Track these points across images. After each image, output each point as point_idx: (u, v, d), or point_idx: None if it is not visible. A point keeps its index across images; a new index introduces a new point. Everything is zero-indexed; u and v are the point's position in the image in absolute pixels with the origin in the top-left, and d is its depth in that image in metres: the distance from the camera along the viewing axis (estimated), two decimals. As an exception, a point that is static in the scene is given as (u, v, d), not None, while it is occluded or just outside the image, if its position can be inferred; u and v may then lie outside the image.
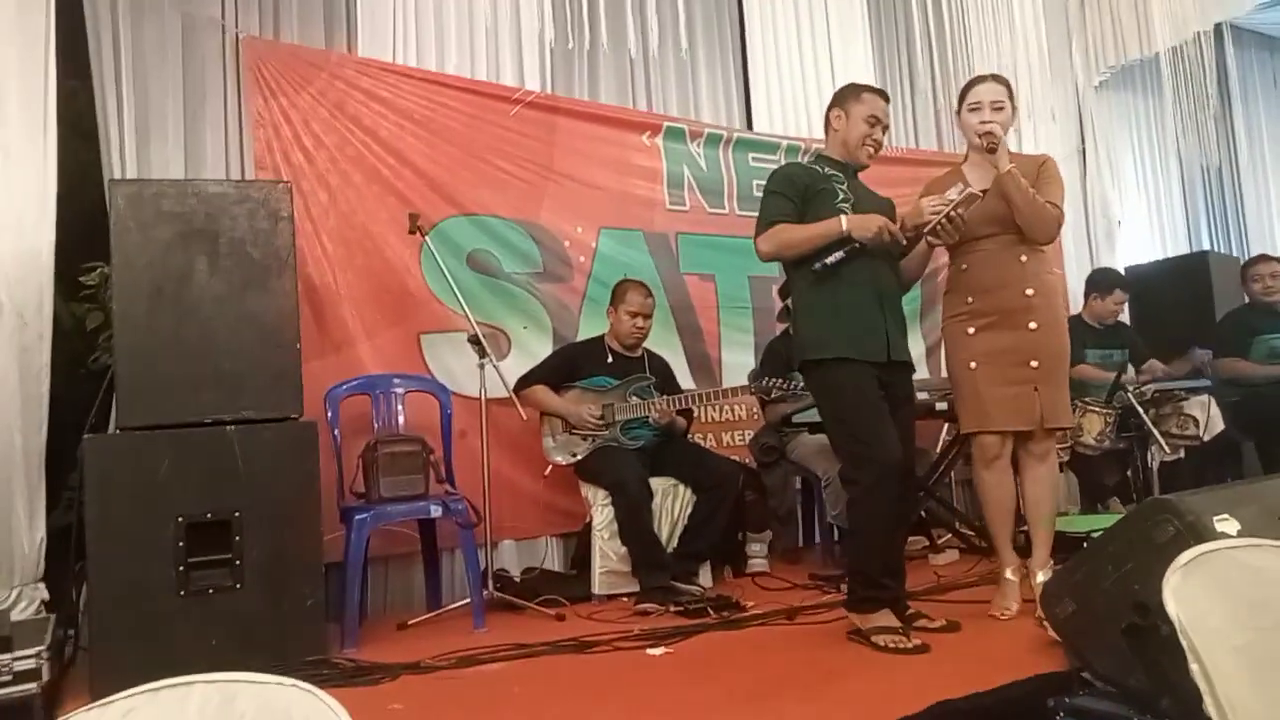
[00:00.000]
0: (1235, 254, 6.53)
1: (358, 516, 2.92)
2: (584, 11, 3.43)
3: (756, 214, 2.79)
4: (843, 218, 2.60)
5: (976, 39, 4.22)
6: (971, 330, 2.81)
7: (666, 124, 4.47)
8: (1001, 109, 2.81)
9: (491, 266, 3.90)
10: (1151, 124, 6.59)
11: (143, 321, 2.63)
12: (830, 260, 2.57)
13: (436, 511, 3.00)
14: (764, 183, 2.85)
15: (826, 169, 2.75)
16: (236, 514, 2.61)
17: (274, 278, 2.77)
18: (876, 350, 2.63)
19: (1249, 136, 7.16)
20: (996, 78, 2.90)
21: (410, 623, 3.06)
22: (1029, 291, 2.76)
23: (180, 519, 2.55)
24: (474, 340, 3.16)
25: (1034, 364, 2.75)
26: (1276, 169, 7.30)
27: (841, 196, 2.68)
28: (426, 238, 3.30)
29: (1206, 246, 6.60)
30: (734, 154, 4.68)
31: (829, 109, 2.83)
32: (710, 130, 4.62)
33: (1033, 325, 2.75)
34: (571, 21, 3.48)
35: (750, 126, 4.87)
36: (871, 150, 2.77)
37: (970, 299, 2.82)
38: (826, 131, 2.85)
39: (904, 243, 2.66)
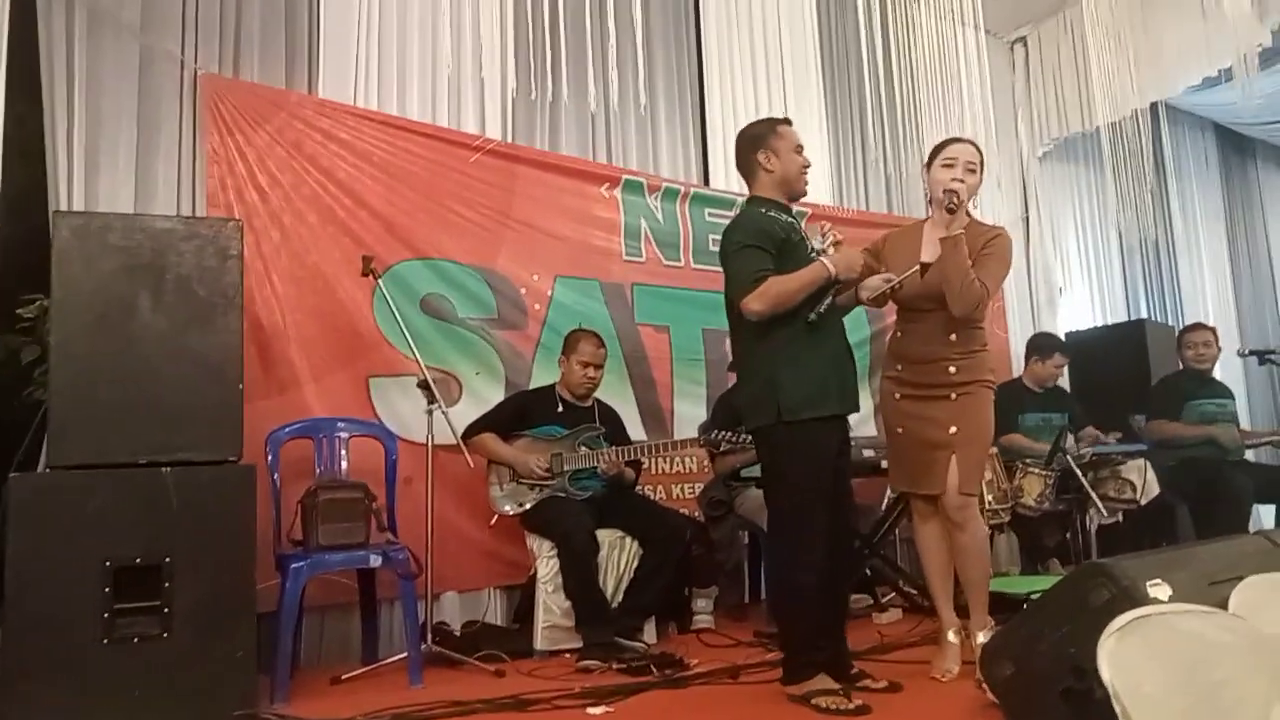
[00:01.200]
0: (1170, 322, 6.77)
1: (293, 565, 2.83)
2: (547, 64, 3.47)
3: (711, 267, 2.79)
4: (826, 261, 2.56)
5: (926, 108, 4.37)
6: (898, 395, 2.90)
7: (625, 177, 4.53)
8: (974, 172, 2.86)
9: (445, 311, 3.88)
10: (1093, 195, 6.85)
11: (80, 357, 2.56)
12: (824, 308, 2.55)
13: (376, 561, 2.92)
14: (719, 238, 2.77)
15: (784, 216, 2.71)
16: (168, 559, 2.52)
17: (219, 316, 2.72)
18: (849, 400, 2.68)
19: (1183, 211, 7.48)
20: (973, 143, 2.96)
21: (344, 677, 2.96)
22: (952, 370, 2.81)
23: (108, 563, 2.46)
24: (423, 385, 3.13)
25: (953, 430, 2.79)
26: (1209, 243, 7.63)
27: (809, 248, 2.69)
28: (379, 280, 3.27)
29: (1144, 314, 6.83)
30: (691, 208, 4.75)
31: (751, 152, 2.72)
32: (668, 184, 4.68)
33: (953, 396, 2.81)
34: (534, 73, 3.52)
35: (707, 183, 4.95)
36: (805, 177, 2.76)
37: (900, 366, 2.92)
38: (754, 175, 2.75)
39: (861, 298, 2.79)
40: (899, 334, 2.96)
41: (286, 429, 3.24)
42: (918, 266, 2.72)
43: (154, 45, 3.38)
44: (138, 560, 2.49)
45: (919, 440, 2.84)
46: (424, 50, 4.01)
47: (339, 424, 3.34)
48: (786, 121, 2.78)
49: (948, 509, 2.80)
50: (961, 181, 2.80)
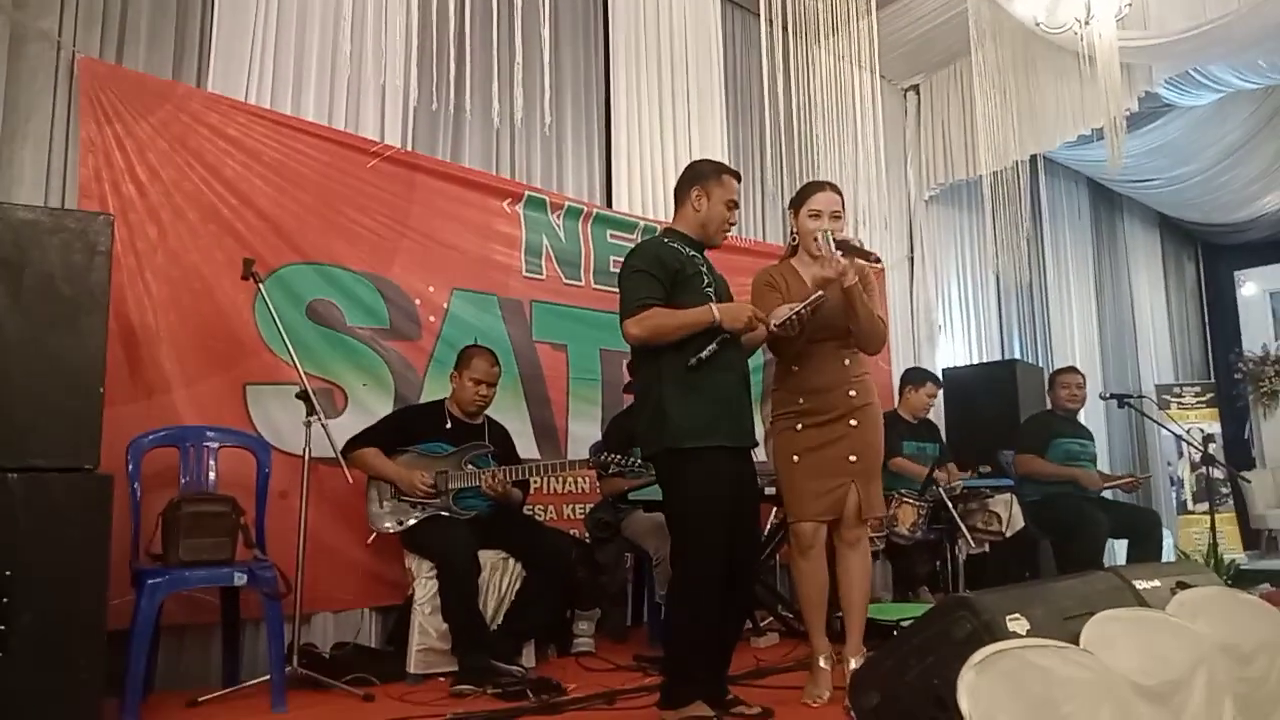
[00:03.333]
0: (1039, 363, 7.16)
1: (150, 581, 2.67)
2: (450, 75, 3.41)
3: (611, 288, 2.79)
4: (714, 308, 2.60)
5: (822, 148, 4.52)
6: (799, 427, 2.94)
7: (528, 193, 4.50)
8: (839, 218, 2.98)
9: (333, 318, 3.76)
10: (974, 239, 7.22)
11: (-78, 356, 2.36)
12: (705, 354, 2.56)
13: (240, 579, 2.78)
14: (621, 259, 2.81)
15: (689, 250, 2.74)
16: (8, 573, 2.33)
17: (84, 316, 2.55)
18: (745, 435, 2.71)
19: (1056, 258, 7.95)
20: (834, 187, 3.06)
21: (201, 700, 2.81)
22: (852, 393, 2.94)
23: (-64, 578, 2.26)
24: (302, 395, 3.01)
25: (853, 459, 2.91)
26: (1077, 289, 8.13)
27: (706, 282, 2.71)
28: (261, 284, 3.14)
29: (1016, 355, 7.20)
30: (593, 228, 4.76)
31: (688, 185, 2.78)
32: (571, 203, 4.68)
33: (853, 423, 2.93)
34: (437, 83, 3.46)
35: (610, 205, 4.97)
36: (726, 233, 2.83)
37: (801, 400, 2.95)
38: (681, 206, 2.80)
39: (771, 328, 2.68)
40: (794, 368, 2.98)
41: (149, 437, 3.06)
42: (821, 294, 2.73)
43: (27, 21, 3.17)
44: (-29, 575, 2.30)
45: (820, 469, 2.90)
46: (323, 50, 3.88)
47: (207, 433, 3.18)
48: (735, 175, 2.82)
49: (845, 530, 2.91)
50: (831, 229, 2.90)
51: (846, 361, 2.97)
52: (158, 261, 3.31)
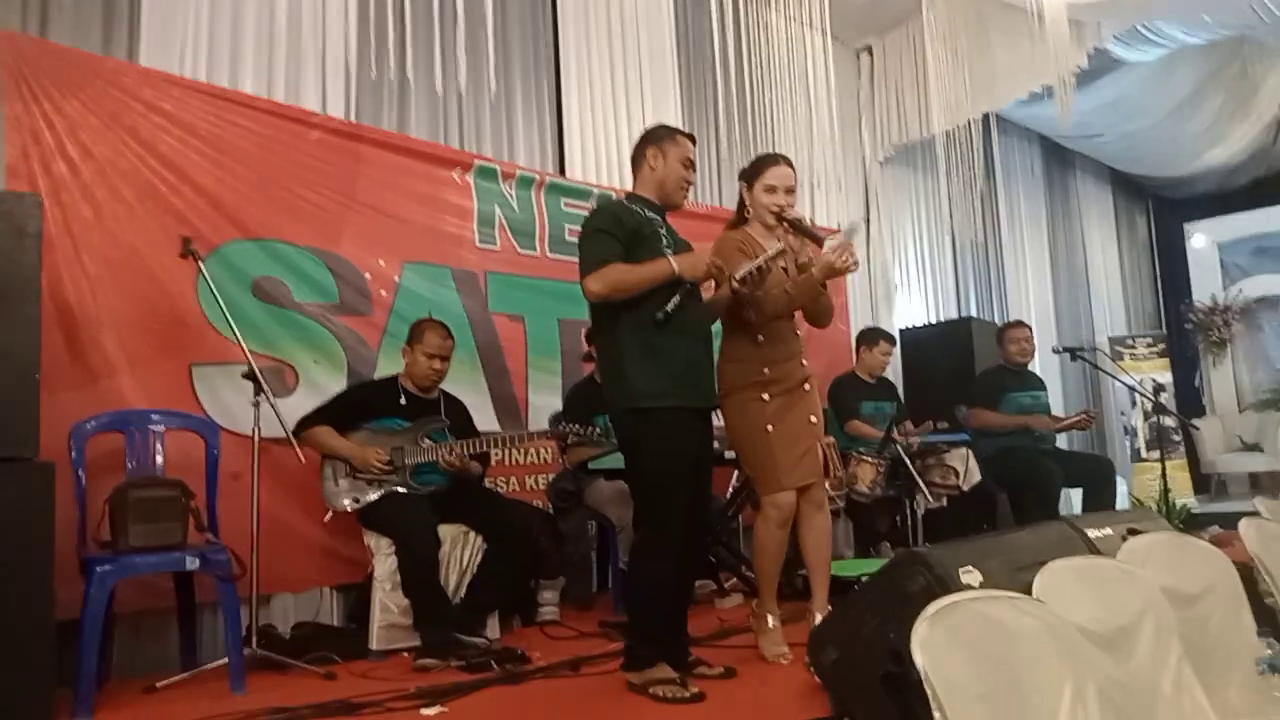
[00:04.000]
0: (996, 320, 7.24)
1: (99, 569, 2.61)
2: (389, 42, 3.33)
3: (567, 257, 2.77)
4: (672, 259, 2.61)
5: (776, 112, 4.50)
6: (766, 397, 2.92)
7: (478, 162, 4.42)
8: (793, 192, 3.00)
9: (280, 295, 3.68)
10: (929, 200, 7.24)
11: None
12: (670, 307, 2.55)
13: (193, 564, 2.73)
14: (576, 228, 2.81)
15: (647, 211, 2.75)
16: (-54, 567, 2.28)
17: (15, 300, 2.48)
18: (705, 396, 2.73)
19: (1010, 215, 8.02)
20: (788, 160, 3.07)
21: (159, 685, 2.77)
22: (804, 362, 3.04)
23: (-126, 573, 2.20)
24: (249, 375, 2.95)
25: (813, 419, 3.01)
26: (1032, 246, 8.22)
27: (666, 243, 2.72)
28: (201, 262, 3.05)
29: (972, 312, 7.28)
30: (546, 197, 4.69)
31: (644, 147, 2.81)
32: (523, 172, 4.61)
33: (807, 388, 3.01)
34: (377, 52, 3.37)
35: (563, 173, 4.90)
36: (685, 191, 2.84)
37: (766, 370, 2.93)
38: (639, 169, 2.83)
39: (735, 281, 2.66)
40: (759, 339, 2.95)
41: (91, 422, 2.97)
42: (782, 247, 2.77)
43: (-60, -5, 3.03)
44: (-89, 569, 2.24)
45: (792, 435, 2.92)
46: (260, 20, 3.76)
47: (153, 416, 3.10)
48: (690, 137, 2.86)
49: (816, 492, 2.98)
50: (788, 206, 2.95)
51: (800, 332, 3.08)
52: (94, 242, 3.21)
